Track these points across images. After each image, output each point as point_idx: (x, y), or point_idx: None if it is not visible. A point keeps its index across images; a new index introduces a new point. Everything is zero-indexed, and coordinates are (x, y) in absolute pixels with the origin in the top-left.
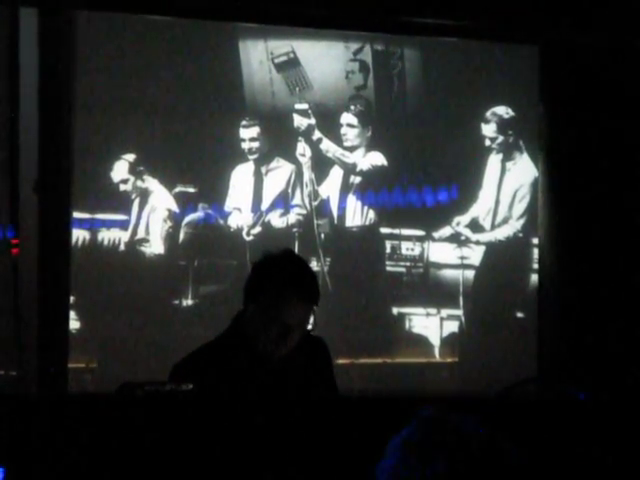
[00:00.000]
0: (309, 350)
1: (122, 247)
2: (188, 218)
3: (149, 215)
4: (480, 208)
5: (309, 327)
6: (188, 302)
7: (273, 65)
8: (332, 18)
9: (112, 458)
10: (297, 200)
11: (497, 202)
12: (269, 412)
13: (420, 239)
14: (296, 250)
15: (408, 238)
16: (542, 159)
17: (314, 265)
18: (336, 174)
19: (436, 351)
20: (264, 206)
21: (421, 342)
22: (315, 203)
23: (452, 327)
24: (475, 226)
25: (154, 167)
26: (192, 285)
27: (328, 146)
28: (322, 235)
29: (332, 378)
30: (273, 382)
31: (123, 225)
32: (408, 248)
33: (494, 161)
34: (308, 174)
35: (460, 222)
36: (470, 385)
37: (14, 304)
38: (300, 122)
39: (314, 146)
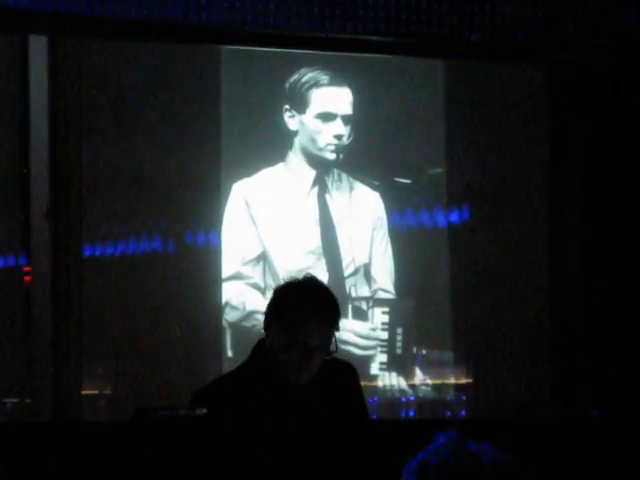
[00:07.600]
0: (335, 376)
1: (135, 274)
2: (202, 243)
3: (162, 242)
4: (492, 229)
5: (331, 349)
6: (205, 329)
7: (287, 90)
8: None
9: None
10: (309, 222)
11: (508, 224)
12: (287, 442)
13: (431, 260)
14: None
15: (419, 260)
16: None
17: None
18: (347, 197)
19: (450, 372)
20: (278, 228)
21: (435, 363)
22: (328, 226)
23: (466, 348)
24: (487, 247)
25: (164, 193)
26: (210, 312)
27: (339, 169)
28: (336, 256)
29: (362, 403)
30: (294, 411)
31: (135, 252)
32: (420, 269)
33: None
34: (320, 195)
35: (472, 243)
36: (483, 407)
37: (26, 331)
38: (309, 143)
39: (325, 170)
